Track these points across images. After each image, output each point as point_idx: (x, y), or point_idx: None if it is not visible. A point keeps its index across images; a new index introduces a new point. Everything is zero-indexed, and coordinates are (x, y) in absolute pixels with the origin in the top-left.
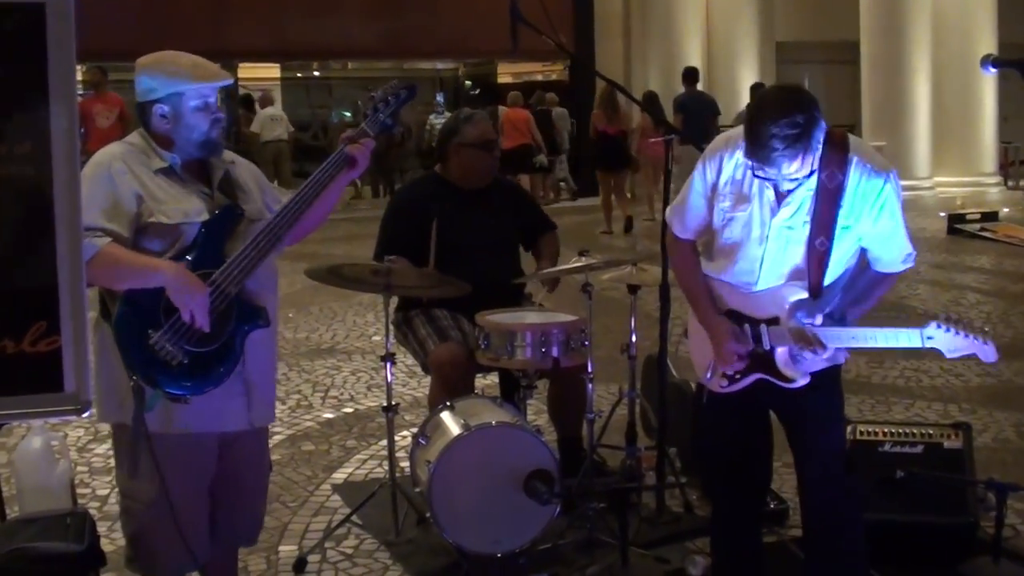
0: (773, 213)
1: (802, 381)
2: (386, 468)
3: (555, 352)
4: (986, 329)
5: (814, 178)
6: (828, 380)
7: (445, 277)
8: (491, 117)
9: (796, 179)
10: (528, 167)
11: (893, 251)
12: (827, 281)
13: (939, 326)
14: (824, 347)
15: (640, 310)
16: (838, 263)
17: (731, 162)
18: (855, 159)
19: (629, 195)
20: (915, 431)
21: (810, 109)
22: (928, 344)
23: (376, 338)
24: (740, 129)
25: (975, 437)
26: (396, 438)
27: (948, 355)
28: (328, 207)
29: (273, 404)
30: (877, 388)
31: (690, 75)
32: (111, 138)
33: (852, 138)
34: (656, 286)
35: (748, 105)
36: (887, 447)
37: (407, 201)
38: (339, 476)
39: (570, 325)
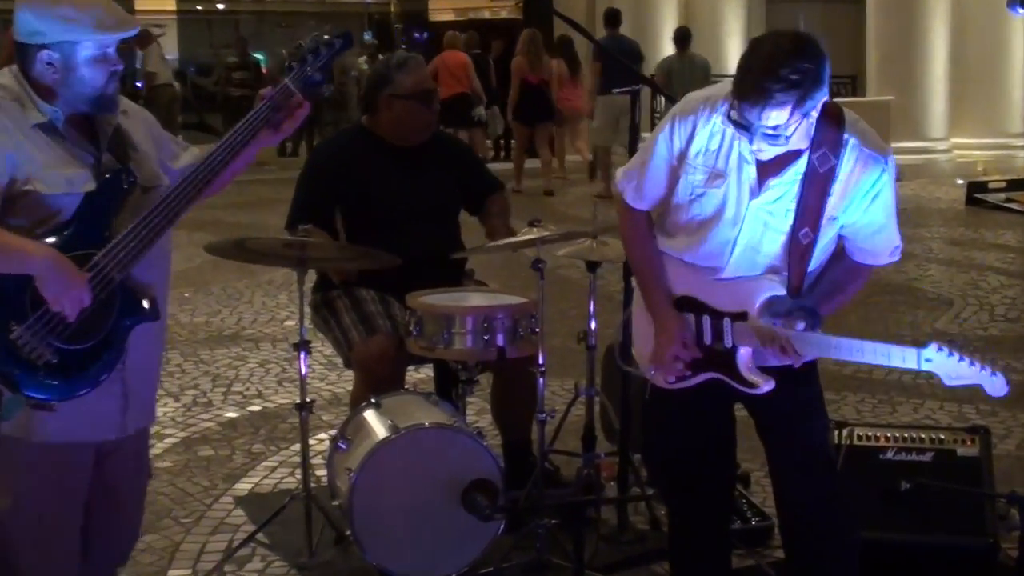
0: (753, 195)
1: (765, 387)
2: (299, 477)
3: (500, 340)
4: (995, 362)
5: (803, 161)
6: (804, 375)
7: (371, 250)
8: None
9: (771, 136)
10: (466, 120)
11: (879, 244)
12: (808, 276)
13: (940, 348)
14: (798, 356)
15: (601, 291)
16: (819, 257)
17: (706, 128)
18: (851, 140)
19: (591, 156)
20: (923, 436)
21: (819, 62)
22: (926, 367)
23: (289, 323)
24: (721, 88)
25: (995, 443)
26: (311, 441)
27: (948, 383)
28: (238, 171)
29: (153, 404)
30: (879, 385)
31: (612, 17)
32: None
33: (848, 114)
34: (620, 263)
35: (752, 40)
36: (890, 454)
37: (327, 159)
38: (243, 487)
39: (518, 309)
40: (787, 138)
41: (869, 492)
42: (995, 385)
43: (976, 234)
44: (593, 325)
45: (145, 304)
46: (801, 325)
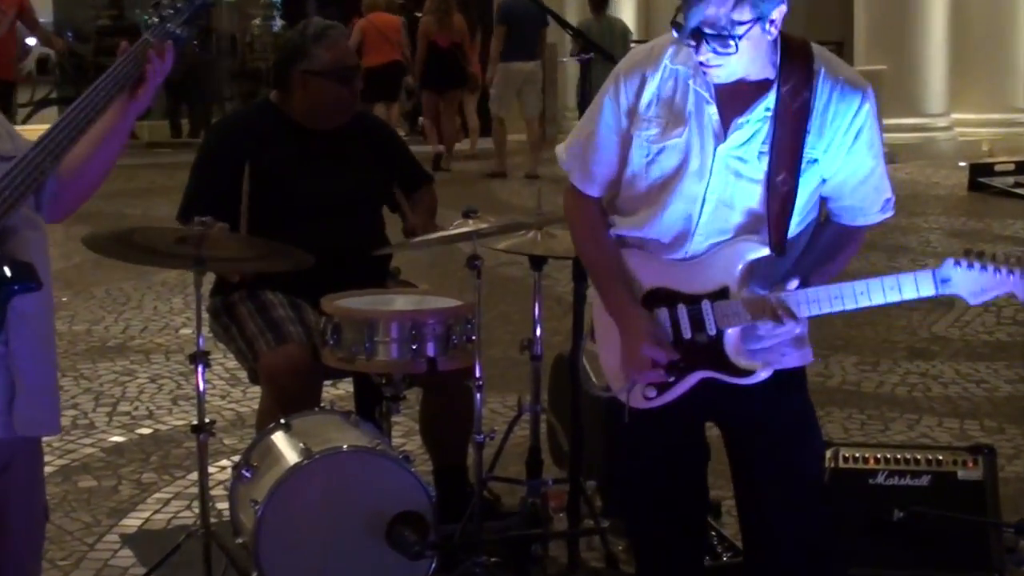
0: (718, 140)
1: (763, 374)
2: (196, 511)
3: (430, 350)
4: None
5: (771, 96)
6: (796, 380)
7: (280, 246)
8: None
9: (718, 38)
10: (396, 92)
11: (868, 196)
12: (792, 232)
13: (957, 263)
14: (795, 317)
15: (548, 292)
16: (802, 211)
17: (656, 76)
18: (822, 70)
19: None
20: (919, 456)
21: None
22: (945, 291)
23: (185, 331)
24: (665, 36)
25: (1002, 465)
26: (211, 469)
27: (973, 301)
28: (112, 153)
29: (55, 408)
30: (869, 399)
31: None
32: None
33: (816, 46)
34: (570, 258)
35: None
36: (881, 478)
37: (227, 140)
38: (131, 522)
39: (451, 313)
40: (736, 40)
41: (857, 522)
42: None
43: (981, 224)
44: (539, 331)
45: (6, 270)
46: (794, 282)
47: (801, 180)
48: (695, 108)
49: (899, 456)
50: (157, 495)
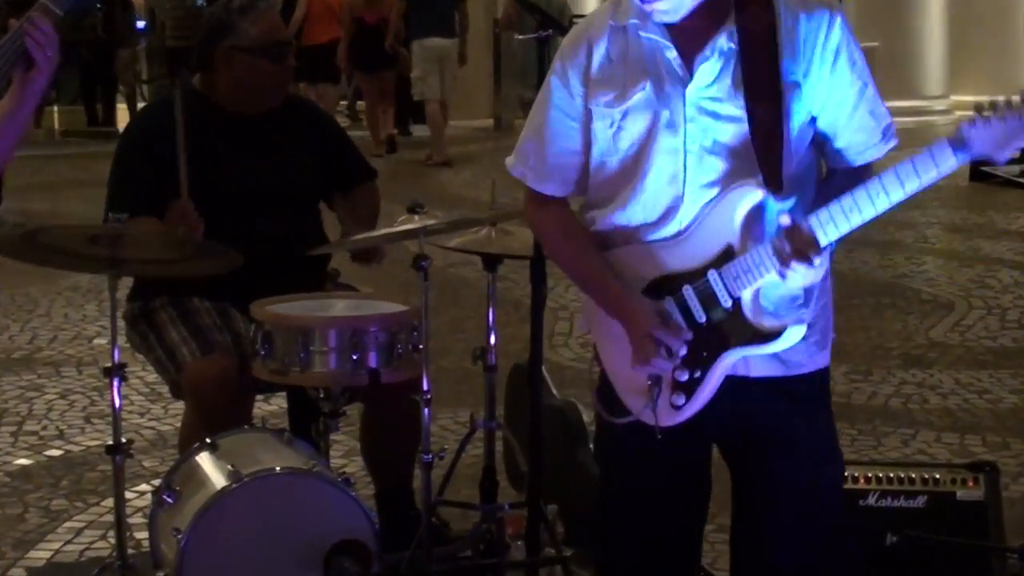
0: (684, 82)
1: (796, 332)
2: (112, 542)
3: (373, 361)
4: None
5: (730, 25)
6: (815, 388)
7: (205, 245)
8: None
9: None
10: (338, 74)
11: (865, 123)
12: (787, 169)
13: (971, 124)
14: (817, 247)
15: (503, 295)
16: (793, 144)
17: (602, 39)
18: None
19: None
20: (915, 475)
21: None
22: (964, 155)
23: (99, 342)
24: (603, 5)
25: (1005, 483)
26: (129, 495)
27: (1000, 158)
28: (7, 144)
29: None
30: (859, 412)
31: None
32: None
33: None
34: (527, 258)
35: None
36: (873, 499)
37: (147, 131)
38: (39, 555)
39: (396, 320)
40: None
41: (846, 547)
42: None
43: (983, 218)
44: (493, 339)
45: None
46: (785, 217)
47: (786, 109)
48: (651, 56)
49: (892, 475)
50: (68, 524)
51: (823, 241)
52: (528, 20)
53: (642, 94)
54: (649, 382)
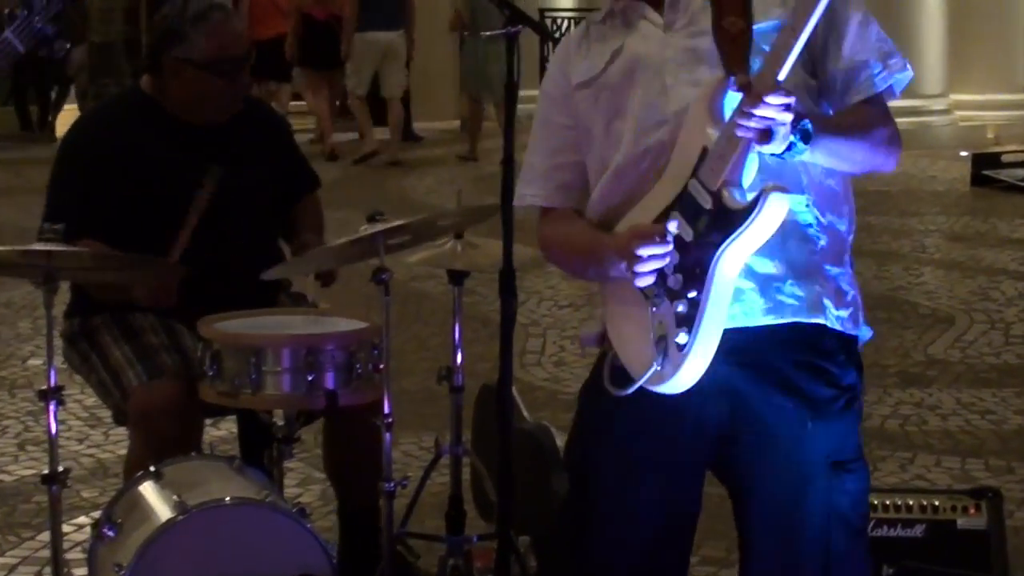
0: (659, 26)
1: (777, 199)
2: None
3: (330, 382)
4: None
5: None
6: (836, 358)
7: (148, 258)
8: None
9: None
10: (288, 71)
11: (855, 46)
12: (792, 53)
13: None
14: (772, 84)
15: (470, 311)
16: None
17: (584, 35)
18: None
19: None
20: (912, 502)
21: None
22: None
23: (33, 362)
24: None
25: (1010, 511)
26: (66, 528)
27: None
28: None
29: None
30: None
31: None
32: None
33: None
34: (495, 271)
35: None
36: (869, 527)
37: (90, 136)
38: None
39: (354, 337)
40: None
41: None
42: None
43: (985, 225)
44: (460, 358)
45: None
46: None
47: (756, 23)
48: (627, 16)
49: (889, 502)
50: (0, 560)
51: (782, 74)
52: (481, 19)
53: (616, 44)
54: (653, 333)
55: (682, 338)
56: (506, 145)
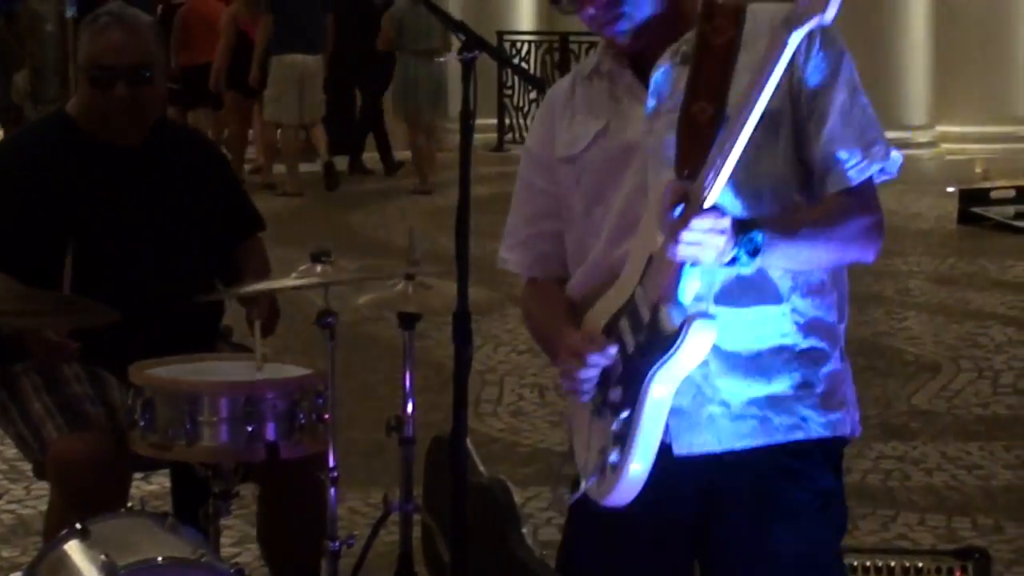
0: (640, 100)
1: (702, 327)
2: None
3: (271, 433)
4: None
5: (690, 34)
6: (805, 502)
7: (73, 299)
8: (165, 12)
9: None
10: (219, 99)
11: (837, 132)
12: (720, 175)
13: None
14: (699, 206)
15: (422, 356)
16: (750, 171)
17: (566, 92)
18: (751, 5)
19: None
20: (894, 563)
21: None
22: None
23: None
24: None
25: (999, 573)
26: None
27: None
28: None
29: None
30: None
31: None
32: None
33: None
34: (449, 314)
35: None
36: None
37: (11, 164)
38: None
39: (298, 385)
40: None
41: None
42: None
43: (973, 267)
44: (410, 408)
45: None
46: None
47: (731, 113)
48: (611, 84)
49: (870, 563)
50: None
51: (709, 200)
52: (409, 37)
53: (598, 124)
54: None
55: (615, 457)
56: (462, 179)
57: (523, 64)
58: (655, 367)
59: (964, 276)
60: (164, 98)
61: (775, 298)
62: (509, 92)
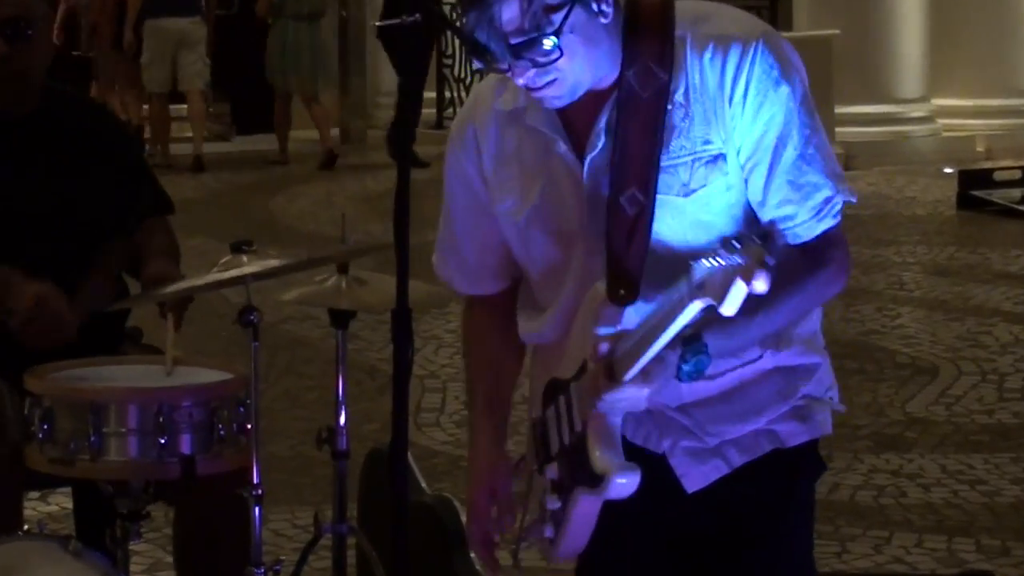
0: (578, 184)
1: (622, 480)
2: None
3: (186, 446)
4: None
5: (610, 87)
6: (787, 505)
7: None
8: None
9: (528, 43)
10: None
11: (783, 193)
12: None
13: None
14: (617, 380)
15: (356, 360)
16: (711, 230)
17: (488, 128)
18: (688, 37)
19: None
20: None
21: None
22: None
23: None
24: (490, 79)
25: None
26: None
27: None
28: None
29: None
30: (820, 509)
31: None
32: None
33: (686, 4)
34: (386, 312)
35: None
36: None
37: None
38: None
39: (216, 392)
40: (555, 37)
41: None
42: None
43: (974, 256)
44: (343, 417)
45: None
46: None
47: (704, 189)
48: (542, 152)
49: None
50: None
51: (622, 375)
52: (290, 2)
53: (538, 204)
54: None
55: (548, 531)
56: (400, 159)
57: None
58: (581, 488)
59: (964, 267)
60: (48, 59)
61: (753, 352)
62: (449, 62)
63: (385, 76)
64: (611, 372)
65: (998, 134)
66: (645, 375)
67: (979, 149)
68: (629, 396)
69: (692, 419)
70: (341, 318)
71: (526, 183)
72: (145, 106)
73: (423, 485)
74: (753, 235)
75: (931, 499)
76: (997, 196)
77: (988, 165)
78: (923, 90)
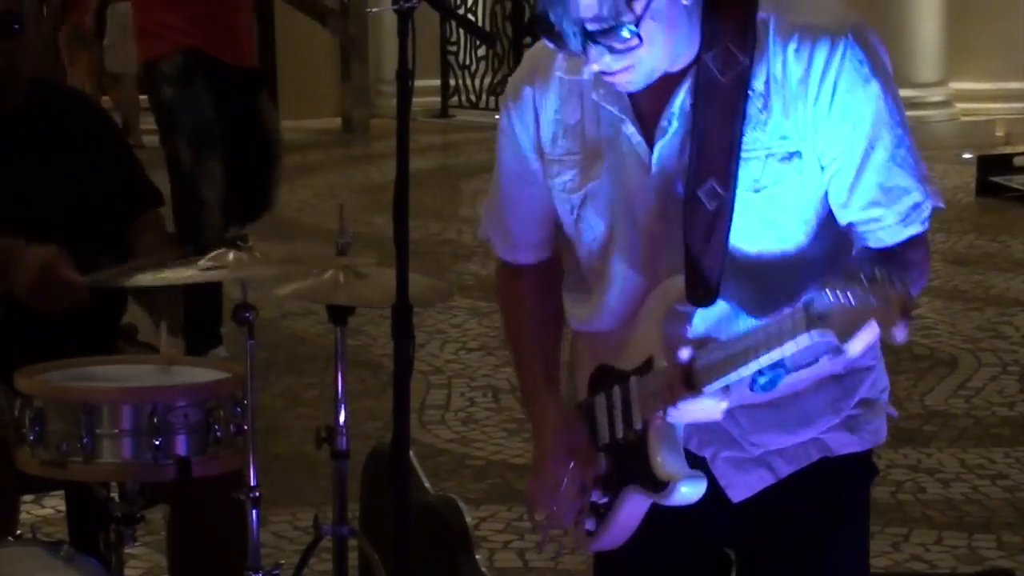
0: (646, 170)
1: (687, 488)
2: None
3: (182, 447)
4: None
5: (683, 69)
6: (839, 515)
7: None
8: None
9: (605, 33)
10: None
11: (868, 197)
12: (736, 272)
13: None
14: (695, 390)
15: (357, 356)
16: (780, 230)
17: (550, 96)
18: (772, 21)
19: None
20: None
21: None
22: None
23: None
24: (540, 44)
25: None
26: None
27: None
28: None
29: None
30: None
31: None
32: None
33: None
34: (387, 307)
35: None
36: None
37: None
38: None
39: (212, 391)
40: (634, 26)
41: None
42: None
43: (995, 245)
44: (343, 416)
45: None
46: (685, 351)
47: (773, 182)
48: (609, 132)
49: None
50: None
51: (703, 386)
52: None
53: (599, 183)
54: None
55: (589, 524)
56: (400, 150)
57: (469, 16)
58: (633, 488)
59: (984, 256)
60: (37, 54)
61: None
62: (453, 49)
63: (387, 63)
64: (690, 380)
65: (1018, 118)
66: (726, 389)
67: (998, 134)
68: (706, 408)
69: (738, 426)
70: (340, 314)
71: (587, 160)
72: (105, 97)
73: (427, 485)
74: (880, 271)
75: (951, 495)
76: (1017, 182)
77: (1008, 150)
78: (940, 74)
